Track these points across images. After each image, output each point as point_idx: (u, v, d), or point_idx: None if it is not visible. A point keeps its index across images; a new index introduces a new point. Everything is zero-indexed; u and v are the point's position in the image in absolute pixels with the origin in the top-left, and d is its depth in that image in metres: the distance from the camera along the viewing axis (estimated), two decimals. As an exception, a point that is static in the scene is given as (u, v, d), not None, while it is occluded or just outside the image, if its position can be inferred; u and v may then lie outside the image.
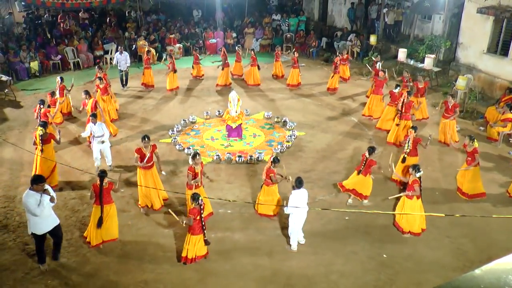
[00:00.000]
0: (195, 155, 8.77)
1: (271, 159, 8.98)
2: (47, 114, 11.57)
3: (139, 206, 9.43)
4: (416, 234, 8.70)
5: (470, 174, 9.89)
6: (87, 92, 12.28)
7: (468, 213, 9.36)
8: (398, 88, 13.13)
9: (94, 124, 10.68)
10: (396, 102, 12.77)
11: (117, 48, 18.31)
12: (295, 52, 17.57)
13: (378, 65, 15.62)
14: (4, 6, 22.46)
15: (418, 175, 8.55)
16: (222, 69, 17.01)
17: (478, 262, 7.86)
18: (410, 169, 8.70)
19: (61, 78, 13.81)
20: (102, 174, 8.09)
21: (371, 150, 9.44)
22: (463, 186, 10.07)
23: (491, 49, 15.69)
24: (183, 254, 7.83)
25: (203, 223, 7.64)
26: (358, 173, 9.63)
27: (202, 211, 7.54)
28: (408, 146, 10.22)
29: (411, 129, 10.43)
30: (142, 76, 17.02)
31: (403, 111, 12.06)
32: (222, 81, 17.11)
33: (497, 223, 8.88)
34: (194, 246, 7.76)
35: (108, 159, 11.11)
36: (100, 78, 13.62)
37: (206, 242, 7.82)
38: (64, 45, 19.73)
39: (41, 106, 11.62)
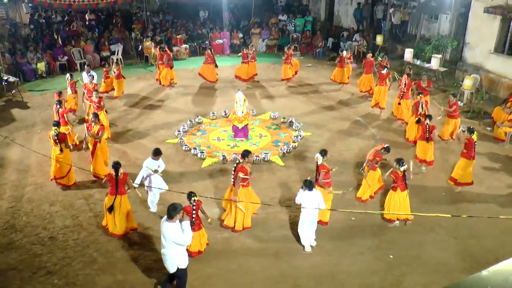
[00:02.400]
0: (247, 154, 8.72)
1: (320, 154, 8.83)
2: (65, 114, 11.87)
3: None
4: (405, 220, 8.86)
5: (463, 164, 9.97)
6: (96, 116, 10.93)
7: (475, 214, 9.31)
8: (386, 69, 14.46)
9: (156, 160, 9.26)
10: (384, 82, 14.41)
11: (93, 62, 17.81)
12: (289, 48, 17.84)
13: (345, 53, 17.01)
14: (11, 8, 22.60)
15: (402, 169, 8.48)
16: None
17: (485, 263, 7.80)
18: (394, 163, 8.63)
19: (71, 75, 13.98)
20: (116, 165, 8.33)
21: (430, 117, 10.81)
22: (453, 172, 10.26)
23: (498, 49, 15.59)
24: (192, 249, 7.80)
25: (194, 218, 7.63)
26: (428, 141, 10.71)
27: (194, 209, 7.55)
28: (422, 108, 11.80)
29: (419, 95, 12.19)
30: (158, 72, 17.20)
31: (405, 91, 13.39)
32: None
33: (505, 224, 8.82)
34: (198, 241, 7.79)
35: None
36: (96, 90, 12.70)
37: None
38: (71, 46, 19.81)
39: (59, 106, 11.72)
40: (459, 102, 14.82)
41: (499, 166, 11.39)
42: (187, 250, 7.71)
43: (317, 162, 8.73)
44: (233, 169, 8.68)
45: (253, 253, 8.24)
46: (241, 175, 8.46)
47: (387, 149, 9.31)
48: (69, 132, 11.27)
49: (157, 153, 9.20)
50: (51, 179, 10.36)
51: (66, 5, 19.99)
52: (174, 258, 6.67)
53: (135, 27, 22.70)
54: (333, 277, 7.63)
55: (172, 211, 6.45)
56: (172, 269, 6.77)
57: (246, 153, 8.65)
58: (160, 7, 25.69)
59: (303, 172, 10.94)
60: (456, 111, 12.12)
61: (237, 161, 8.75)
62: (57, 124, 10.28)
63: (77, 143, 12.12)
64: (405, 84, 13.47)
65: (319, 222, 8.62)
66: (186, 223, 6.61)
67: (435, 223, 8.93)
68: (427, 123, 10.68)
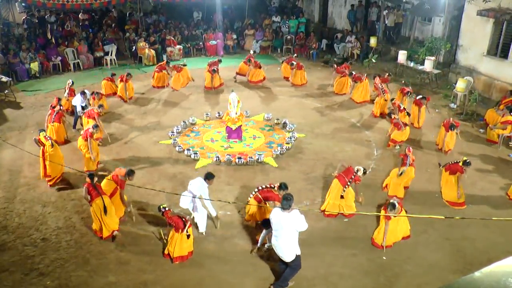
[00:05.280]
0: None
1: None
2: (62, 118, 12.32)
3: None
4: (388, 246, 8.38)
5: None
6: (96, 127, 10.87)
7: (468, 215, 9.36)
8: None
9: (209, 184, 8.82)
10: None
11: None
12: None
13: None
14: (4, 7, 22.47)
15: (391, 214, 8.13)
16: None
17: (478, 264, 7.84)
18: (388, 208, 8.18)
19: (72, 82, 14.49)
20: (90, 175, 8.56)
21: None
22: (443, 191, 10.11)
23: (491, 52, 15.69)
24: (175, 255, 7.94)
25: (184, 223, 7.85)
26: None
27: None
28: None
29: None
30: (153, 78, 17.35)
31: (383, 89, 14.43)
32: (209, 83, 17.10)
33: (497, 226, 8.86)
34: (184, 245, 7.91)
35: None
36: (101, 106, 12.81)
37: (188, 237, 7.89)
38: (65, 46, 19.75)
39: (60, 107, 11.84)
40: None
41: (492, 168, 11.44)
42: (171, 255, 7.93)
43: (357, 172, 9.08)
44: (261, 188, 8.74)
45: (246, 255, 8.22)
46: (274, 203, 8.39)
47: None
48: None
49: (210, 177, 8.77)
50: (45, 178, 10.41)
51: (60, 5, 19.88)
52: (293, 246, 6.87)
53: (129, 28, 22.65)
54: (326, 279, 7.63)
55: (289, 200, 6.70)
56: (291, 257, 6.91)
57: (284, 187, 8.43)
58: (154, 8, 25.63)
59: (297, 174, 10.95)
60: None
61: (271, 186, 8.71)
62: (43, 130, 10.77)
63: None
64: (381, 85, 14.45)
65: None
66: (297, 211, 6.78)
67: (428, 225, 8.96)
68: (395, 116, 12.15)
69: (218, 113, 14.36)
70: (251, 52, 18.44)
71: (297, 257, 7.00)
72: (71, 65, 19.40)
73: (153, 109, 15.23)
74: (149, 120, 14.24)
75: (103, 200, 8.39)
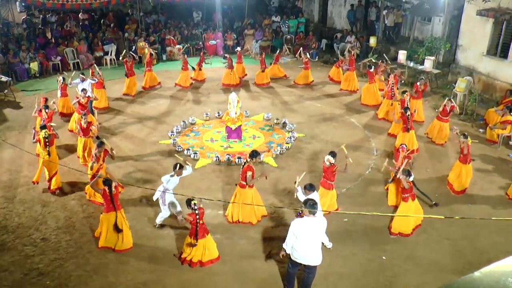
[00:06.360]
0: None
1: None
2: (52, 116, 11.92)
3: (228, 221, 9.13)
4: (406, 235, 8.65)
5: (458, 169, 10.16)
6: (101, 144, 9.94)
7: (467, 215, 9.36)
8: (373, 67, 15.22)
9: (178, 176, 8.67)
10: (373, 80, 15.15)
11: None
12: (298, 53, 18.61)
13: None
14: (4, 7, 22.45)
15: (411, 179, 8.38)
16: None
17: (477, 264, 7.84)
18: (403, 175, 8.38)
19: (63, 78, 13.97)
20: (108, 181, 7.94)
21: (408, 109, 10.84)
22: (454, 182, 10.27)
23: (490, 51, 15.69)
24: (183, 256, 7.88)
25: (197, 230, 7.47)
26: (408, 131, 11.42)
27: (197, 217, 7.37)
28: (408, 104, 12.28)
29: (404, 94, 12.63)
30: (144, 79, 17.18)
31: (393, 92, 13.70)
32: (227, 80, 17.45)
33: (497, 225, 8.86)
34: (195, 251, 7.72)
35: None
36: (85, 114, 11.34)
37: (191, 244, 7.62)
38: (64, 46, 19.74)
39: (46, 110, 11.70)
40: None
41: (492, 168, 11.44)
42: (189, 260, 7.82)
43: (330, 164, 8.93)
44: (241, 168, 8.82)
45: (245, 255, 8.22)
46: (249, 173, 8.57)
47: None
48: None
49: (175, 168, 8.58)
50: (35, 183, 10.28)
51: (59, 5, 19.86)
52: (320, 250, 6.76)
53: (128, 28, 22.64)
54: (325, 279, 7.62)
55: (316, 204, 6.53)
56: (320, 260, 6.78)
57: (254, 154, 8.77)
58: (154, 8, 25.61)
59: (296, 173, 10.88)
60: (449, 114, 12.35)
61: (245, 161, 8.83)
62: (45, 126, 10.20)
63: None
64: (392, 84, 13.75)
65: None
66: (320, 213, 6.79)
67: (428, 224, 8.96)
68: (408, 114, 11.35)
69: (218, 113, 14.35)
70: (237, 48, 18.80)
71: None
72: (71, 65, 19.38)
73: (152, 109, 15.22)
74: (148, 119, 14.23)
75: (116, 216, 8.01)
